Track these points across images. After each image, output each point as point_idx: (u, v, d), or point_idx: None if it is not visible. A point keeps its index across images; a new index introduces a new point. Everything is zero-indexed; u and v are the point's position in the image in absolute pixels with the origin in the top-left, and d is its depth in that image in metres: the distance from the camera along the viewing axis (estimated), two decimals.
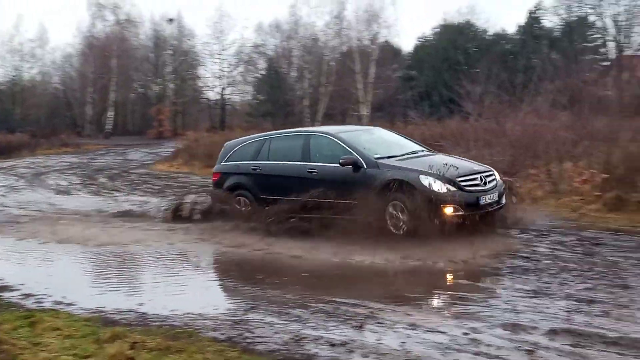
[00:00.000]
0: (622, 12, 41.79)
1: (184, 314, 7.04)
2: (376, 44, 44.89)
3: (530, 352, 5.71)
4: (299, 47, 48.47)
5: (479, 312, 6.96)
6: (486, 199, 10.45)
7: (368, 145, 11.43)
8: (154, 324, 6.78)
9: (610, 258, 9.05)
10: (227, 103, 57.24)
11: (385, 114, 41.10)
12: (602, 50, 43.93)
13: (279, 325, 6.63)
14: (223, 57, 55.52)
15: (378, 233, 10.04)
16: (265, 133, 14.00)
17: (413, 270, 8.86)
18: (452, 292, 8.03)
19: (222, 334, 6.39)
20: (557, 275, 8.27)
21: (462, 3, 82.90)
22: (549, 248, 9.73)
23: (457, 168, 10.63)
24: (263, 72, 53.32)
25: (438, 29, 48.90)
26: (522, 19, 47.96)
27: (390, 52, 47.77)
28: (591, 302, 7.13)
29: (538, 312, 6.83)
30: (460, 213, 10.07)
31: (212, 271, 10.23)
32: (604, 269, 8.47)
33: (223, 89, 56.01)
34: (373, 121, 37.03)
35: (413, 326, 6.51)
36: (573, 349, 5.76)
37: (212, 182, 13.23)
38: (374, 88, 43.66)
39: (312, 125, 41.74)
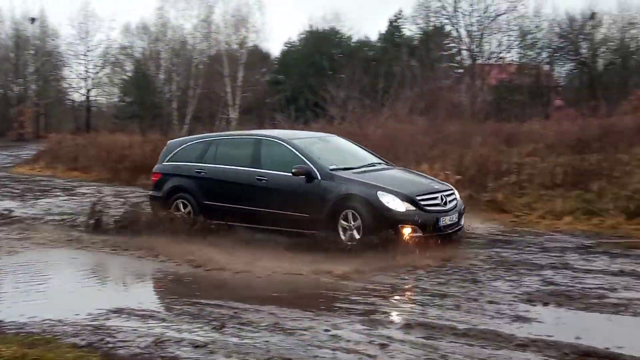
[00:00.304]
0: (474, 23, 43.75)
1: (42, 321, 6.76)
2: (244, 48, 44.76)
3: (384, 345, 5.88)
4: (167, 50, 47.61)
5: (342, 309, 7.11)
6: (446, 220, 9.84)
7: (323, 155, 10.63)
8: (10, 331, 6.47)
9: (462, 254, 9.51)
10: (93, 105, 55.35)
11: (253, 117, 41.12)
12: (457, 58, 45.80)
13: (142, 329, 6.50)
14: (89, 58, 53.61)
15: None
16: (213, 134, 12.99)
17: (303, 279, 8.45)
18: (321, 292, 8.11)
19: (83, 339, 6.19)
20: (413, 272, 8.59)
21: (328, 10, 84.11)
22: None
23: (417, 186, 10.17)
24: (130, 74, 51.99)
25: (304, 35, 49.41)
26: (383, 27, 49.12)
27: (258, 56, 47.78)
28: (444, 296, 7.45)
29: (394, 308, 7.06)
30: (419, 234, 9.54)
31: (80, 277, 9.85)
32: (455, 265, 8.88)
33: (88, 90, 54.07)
34: (242, 124, 36.98)
35: (276, 325, 6.56)
36: (426, 341, 5.98)
37: (154, 182, 11.96)
38: (243, 92, 43.54)
39: (181, 128, 41.14)
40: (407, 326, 6.42)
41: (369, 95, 27.61)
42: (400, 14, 47.80)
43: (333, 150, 11.20)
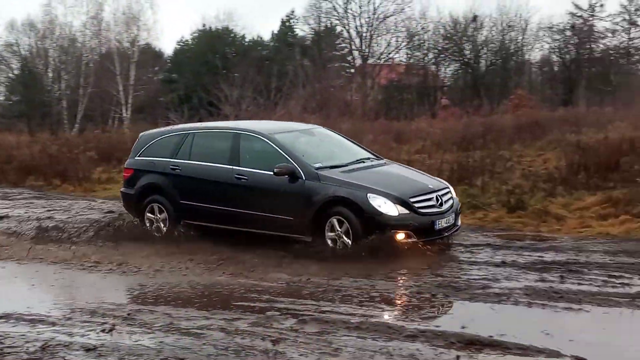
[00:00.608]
0: (364, 24, 44.45)
1: None
2: (136, 46, 43.71)
3: (275, 341, 5.88)
4: (56, 47, 45.89)
5: (241, 306, 7.07)
6: (442, 223, 9.07)
7: (308, 151, 9.78)
8: None
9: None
10: None
11: (146, 116, 40.24)
12: (349, 58, 46.40)
13: (31, 334, 6.24)
14: None
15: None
16: (187, 125, 11.76)
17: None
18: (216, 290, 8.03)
19: None
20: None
21: (221, 9, 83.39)
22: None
23: (410, 185, 9.33)
24: (17, 72, 49.83)
25: (197, 34, 48.80)
26: (276, 27, 49.15)
27: (151, 54, 46.78)
28: (337, 291, 7.53)
29: (292, 304, 7.08)
30: (413, 240, 8.79)
31: None
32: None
33: None
34: (135, 123, 36.11)
35: (170, 325, 6.45)
36: (320, 336, 6.02)
37: (125, 179, 10.97)
38: (135, 90, 42.52)
39: (72, 127, 39.78)
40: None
41: (263, 94, 27.58)
42: (292, 14, 48.00)
43: (318, 145, 10.30)
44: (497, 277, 7.91)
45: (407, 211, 8.78)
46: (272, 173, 9.29)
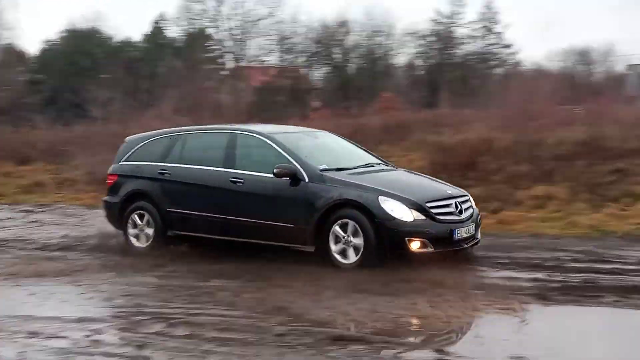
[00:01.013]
0: (236, 26, 44.23)
1: None
2: None
3: (141, 345, 5.74)
4: None
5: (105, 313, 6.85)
6: (462, 233, 8.12)
7: (312, 153, 8.85)
8: None
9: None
10: None
11: (10, 119, 38.24)
12: (221, 60, 46.01)
13: None
14: None
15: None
16: (179, 128, 10.59)
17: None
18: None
19: None
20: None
21: (88, 9, 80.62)
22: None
23: (427, 190, 8.49)
24: None
25: (64, 34, 46.87)
26: (147, 28, 47.97)
27: (14, 55, 44.51)
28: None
29: (163, 308, 6.93)
30: (429, 250, 7.87)
31: None
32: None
33: None
34: None
35: (33, 334, 6.14)
36: (188, 340, 5.92)
37: (109, 186, 10.02)
38: None
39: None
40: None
41: (133, 96, 26.87)
42: (163, 16, 47.03)
43: (323, 148, 9.38)
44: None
45: (423, 217, 7.83)
46: (271, 175, 8.42)
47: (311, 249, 8.19)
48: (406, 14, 72.88)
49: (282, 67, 44.37)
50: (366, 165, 9.06)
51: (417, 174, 9.55)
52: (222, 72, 44.09)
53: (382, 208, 7.82)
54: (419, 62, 48.77)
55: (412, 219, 7.78)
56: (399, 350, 5.44)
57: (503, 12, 55.50)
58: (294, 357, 5.33)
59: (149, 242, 9.39)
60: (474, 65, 47.34)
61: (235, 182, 8.74)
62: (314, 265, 8.18)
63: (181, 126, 10.87)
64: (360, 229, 7.81)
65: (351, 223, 7.88)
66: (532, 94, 19.86)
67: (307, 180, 8.27)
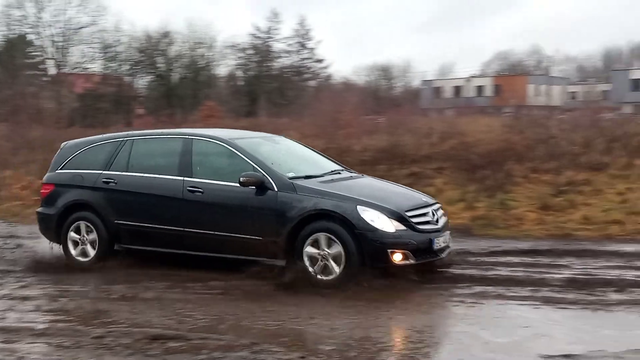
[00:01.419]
0: (58, 33, 42.02)
1: None
2: None
3: None
4: None
5: None
6: (440, 242, 7.17)
7: (276, 159, 7.70)
8: None
9: None
10: None
11: None
12: (42, 66, 43.53)
13: None
14: None
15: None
16: (124, 133, 9.05)
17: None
18: None
19: None
20: None
21: None
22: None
23: (403, 198, 7.51)
24: None
25: None
26: None
27: None
28: (25, 299, 6.99)
29: None
30: (411, 262, 6.87)
31: None
32: None
33: None
34: None
35: None
36: (4, 345, 5.54)
37: (43, 196, 8.56)
38: None
39: None
40: None
41: None
42: None
43: (285, 154, 8.23)
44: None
45: (403, 227, 6.90)
46: (233, 184, 7.33)
47: (282, 262, 7.09)
48: (227, 27, 72.86)
49: (106, 75, 42.77)
50: (333, 173, 7.92)
51: (386, 182, 8.52)
52: (44, 78, 41.71)
53: (362, 218, 6.79)
54: (239, 73, 49.06)
55: (393, 230, 6.80)
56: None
57: (315, 29, 57.14)
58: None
59: (93, 256, 8.06)
60: (290, 78, 48.39)
61: (193, 192, 7.51)
62: None
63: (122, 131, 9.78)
64: (340, 241, 6.77)
65: (325, 236, 6.86)
66: (341, 105, 20.59)
67: (275, 189, 7.16)
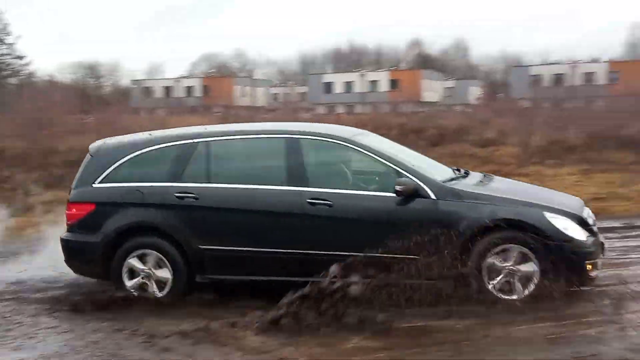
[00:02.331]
0: None
1: None
2: None
3: None
4: None
5: None
6: (605, 247, 6.12)
7: (410, 160, 6.06)
8: None
9: None
10: None
11: None
12: None
13: None
14: None
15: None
16: (190, 130, 6.66)
17: None
18: None
19: None
20: None
21: None
22: None
23: (567, 200, 6.25)
24: None
25: None
26: None
27: None
28: None
29: None
30: (598, 272, 5.73)
31: None
32: None
33: None
34: None
35: None
36: None
37: (70, 222, 6.20)
38: None
39: None
40: None
41: None
42: None
43: (401, 154, 6.35)
44: None
45: (588, 234, 5.77)
46: (371, 193, 5.84)
47: (446, 284, 5.49)
48: None
49: None
50: (465, 173, 6.55)
51: (511, 179, 7.81)
52: None
53: (555, 227, 5.60)
54: None
55: (584, 238, 5.71)
56: None
57: (15, 24, 52.45)
58: None
59: (168, 289, 6.01)
60: None
61: (314, 204, 5.81)
62: None
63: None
64: (534, 255, 5.54)
65: (517, 248, 5.57)
66: (45, 103, 19.25)
67: (433, 196, 5.75)
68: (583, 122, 18.94)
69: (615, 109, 21.96)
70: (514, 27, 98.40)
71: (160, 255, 5.94)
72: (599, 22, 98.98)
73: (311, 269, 5.51)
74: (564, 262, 5.46)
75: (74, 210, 6.23)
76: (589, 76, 57.10)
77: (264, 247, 5.85)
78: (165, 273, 5.93)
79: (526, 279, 5.50)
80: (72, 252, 6.26)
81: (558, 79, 54.43)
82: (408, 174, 5.76)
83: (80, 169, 6.38)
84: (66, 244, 6.26)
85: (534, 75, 56.68)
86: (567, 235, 5.53)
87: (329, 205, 5.77)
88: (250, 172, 6.17)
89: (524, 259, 5.51)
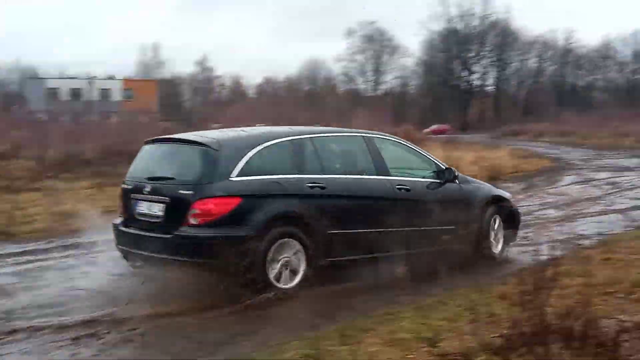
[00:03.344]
0: None
1: None
2: None
3: None
4: None
5: None
6: None
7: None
8: None
9: None
10: None
11: None
12: None
13: None
14: None
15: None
16: (295, 129, 6.94)
17: None
18: None
19: None
20: None
21: None
22: None
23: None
24: None
25: None
26: None
27: None
28: None
29: None
30: None
31: None
32: None
33: None
34: None
35: None
36: None
37: (219, 215, 5.66)
38: None
39: None
40: None
41: None
42: None
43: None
44: None
45: None
46: (431, 180, 7.18)
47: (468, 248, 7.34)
48: None
49: None
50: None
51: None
52: None
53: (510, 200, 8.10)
54: None
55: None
56: None
57: None
58: None
59: (297, 278, 5.93)
60: None
61: (401, 189, 6.85)
62: None
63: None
64: (501, 217, 7.71)
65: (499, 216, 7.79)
66: None
67: (457, 182, 7.36)
68: (98, 137, 19.34)
69: (128, 125, 23.06)
70: (29, 38, 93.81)
71: (297, 243, 6.00)
72: (114, 41, 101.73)
73: (406, 244, 6.64)
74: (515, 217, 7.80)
75: (213, 205, 5.76)
76: (105, 92, 58.82)
77: (374, 227, 6.52)
78: (298, 261, 6.00)
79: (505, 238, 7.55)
80: (211, 248, 5.65)
81: (75, 93, 54.63)
82: (442, 166, 7.31)
83: (199, 163, 6.00)
84: (201, 241, 5.72)
85: (51, 88, 55.73)
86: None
87: (408, 190, 6.86)
88: (348, 164, 6.90)
89: (503, 221, 7.56)
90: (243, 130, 6.79)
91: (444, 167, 7.26)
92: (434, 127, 54.75)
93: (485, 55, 70.21)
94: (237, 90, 70.95)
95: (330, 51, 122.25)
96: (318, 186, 6.25)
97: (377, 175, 6.77)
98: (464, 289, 5.67)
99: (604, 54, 69.86)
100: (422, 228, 6.76)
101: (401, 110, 58.46)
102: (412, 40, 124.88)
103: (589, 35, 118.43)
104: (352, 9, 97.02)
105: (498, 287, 5.60)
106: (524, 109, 67.45)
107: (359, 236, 6.43)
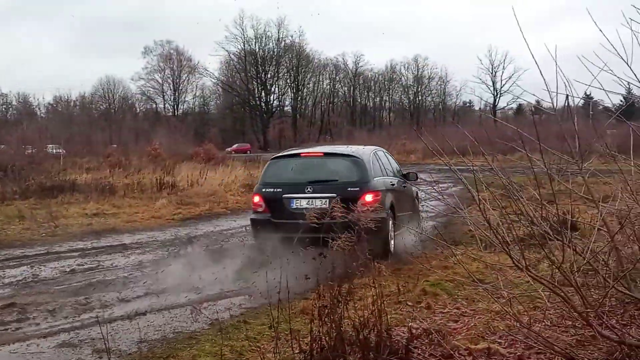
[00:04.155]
0: None
1: None
2: None
3: None
4: None
5: None
6: None
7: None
8: None
9: None
10: None
11: None
12: None
13: None
14: None
15: None
16: (364, 147, 9.73)
17: None
18: None
19: None
20: None
21: None
22: None
23: None
24: None
25: None
26: None
27: None
28: None
29: None
30: None
31: None
32: None
33: None
34: None
35: None
36: None
37: (370, 205, 7.32)
38: None
39: None
40: None
41: None
42: None
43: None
44: None
45: None
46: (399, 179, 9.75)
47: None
48: None
49: None
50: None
51: None
52: None
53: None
54: None
55: None
56: None
57: None
58: None
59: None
60: None
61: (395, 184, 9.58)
62: None
63: None
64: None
65: None
66: None
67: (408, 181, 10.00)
68: None
69: None
70: None
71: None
72: None
73: None
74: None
75: (374, 196, 8.22)
76: None
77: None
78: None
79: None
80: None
81: None
82: (403, 171, 9.87)
83: (356, 169, 8.44)
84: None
85: None
86: None
87: (404, 186, 9.53)
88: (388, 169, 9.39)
89: None
90: (355, 146, 9.51)
91: (406, 173, 9.92)
92: (235, 146, 55.31)
93: (281, 77, 72.13)
94: (25, 110, 65.49)
95: (128, 70, 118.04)
96: (391, 183, 8.84)
97: (394, 176, 9.30)
98: (265, 306, 5.58)
99: (389, 77, 75.13)
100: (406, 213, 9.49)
101: (202, 129, 58.03)
102: (210, 60, 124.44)
103: (375, 58, 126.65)
104: (152, 26, 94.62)
105: (300, 302, 5.63)
106: (320, 128, 70.27)
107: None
